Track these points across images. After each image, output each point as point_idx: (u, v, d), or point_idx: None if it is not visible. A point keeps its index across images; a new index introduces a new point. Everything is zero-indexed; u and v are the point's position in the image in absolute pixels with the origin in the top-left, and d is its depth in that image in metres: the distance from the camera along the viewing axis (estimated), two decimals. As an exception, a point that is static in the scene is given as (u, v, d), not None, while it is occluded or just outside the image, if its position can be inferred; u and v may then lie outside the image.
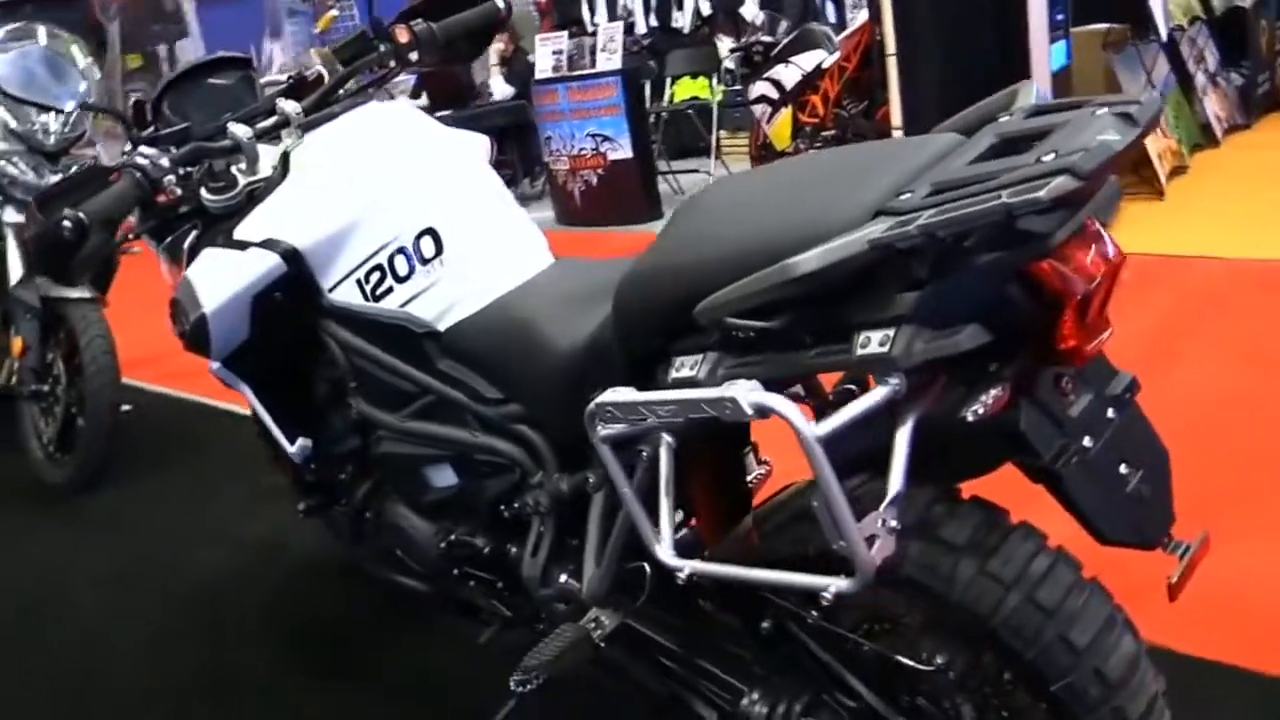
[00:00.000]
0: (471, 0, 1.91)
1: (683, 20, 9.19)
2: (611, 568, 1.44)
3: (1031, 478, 1.13)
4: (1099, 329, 1.08)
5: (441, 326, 1.67)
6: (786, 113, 5.78)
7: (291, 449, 1.92)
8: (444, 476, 1.78)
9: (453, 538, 1.78)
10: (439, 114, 8.01)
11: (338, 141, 1.75)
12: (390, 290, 1.66)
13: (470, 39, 1.93)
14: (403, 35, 1.85)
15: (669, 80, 8.37)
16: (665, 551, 1.26)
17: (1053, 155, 0.94)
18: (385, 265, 1.65)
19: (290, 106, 1.84)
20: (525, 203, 8.52)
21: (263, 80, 2.08)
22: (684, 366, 1.22)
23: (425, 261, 1.66)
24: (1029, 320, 1.05)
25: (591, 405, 1.23)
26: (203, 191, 1.80)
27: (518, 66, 8.77)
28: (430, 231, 1.66)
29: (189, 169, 1.77)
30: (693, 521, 1.58)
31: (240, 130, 1.77)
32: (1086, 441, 1.12)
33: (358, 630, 2.40)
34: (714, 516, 1.46)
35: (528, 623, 1.76)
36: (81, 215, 1.54)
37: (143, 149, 1.69)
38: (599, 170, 6.86)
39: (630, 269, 1.30)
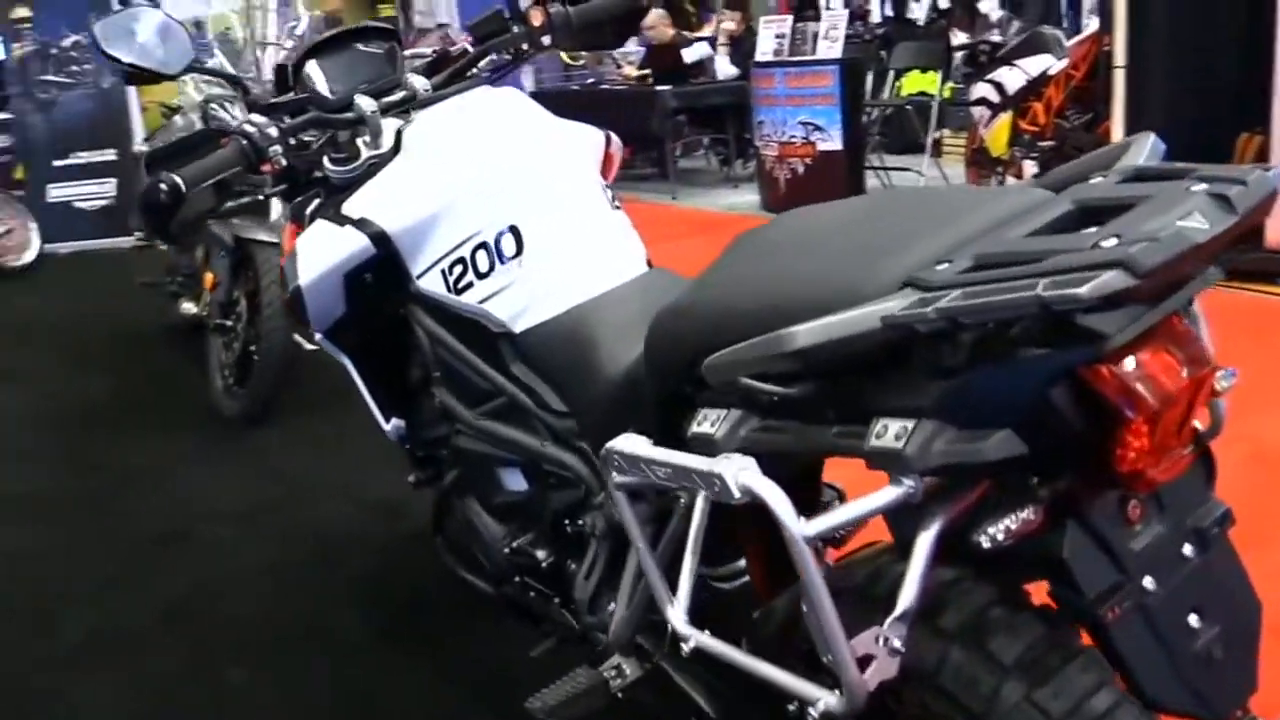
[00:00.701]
0: None
1: (918, 12, 8.82)
2: (636, 615, 1.35)
3: (1071, 615, 0.96)
4: (1174, 450, 0.90)
5: (516, 329, 1.59)
6: (1005, 118, 5.42)
7: (386, 426, 1.92)
8: (515, 480, 1.72)
9: (516, 544, 1.73)
10: (660, 87, 7.99)
11: (441, 125, 1.70)
12: (470, 285, 1.59)
13: (611, 26, 1.84)
14: (536, 18, 1.79)
15: (894, 73, 8.05)
16: (677, 616, 1.16)
17: (1115, 240, 0.78)
18: (468, 259, 1.59)
19: (419, 83, 1.80)
20: (734, 184, 8.45)
21: (407, 53, 2.05)
22: (706, 420, 1.10)
23: (505, 260, 1.58)
24: (1080, 433, 0.88)
25: (603, 450, 1.14)
26: (325, 161, 1.80)
27: (745, 47, 8.65)
28: (513, 229, 1.58)
29: (304, 138, 1.76)
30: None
31: (365, 103, 1.73)
32: (1147, 582, 0.94)
33: (445, 612, 2.40)
34: (763, 570, 1.34)
35: (584, 641, 1.70)
36: (177, 179, 1.54)
37: (253, 117, 1.67)
38: (807, 160, 6.68)
39: (669, 303, 1.19)
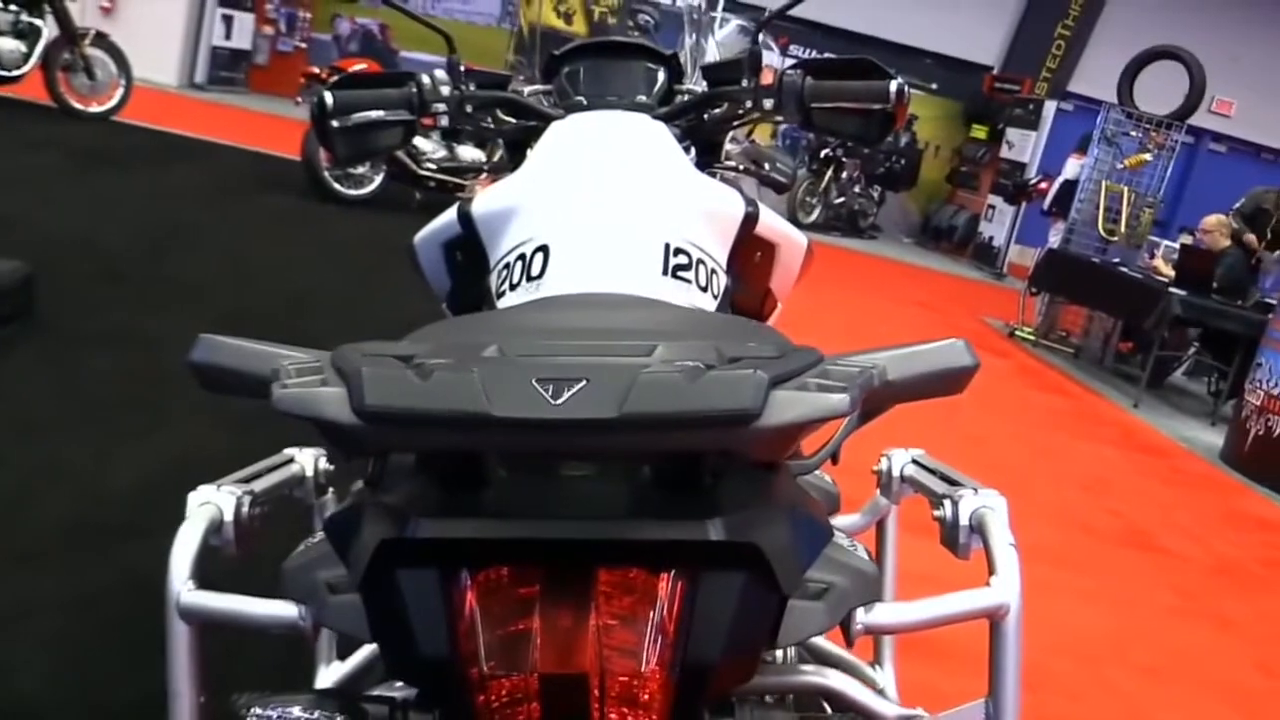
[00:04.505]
0: (867, 76, 1.55)
1: None
2: None
3: None
4: None
5: None
6: None
7: None
8: None
9: None
10: (1174, 289, 7.16)
11: (568, 131, 1.56)
12: (503, 295, 1.40)
13: (856, 117, 1.55)
14: (766, 76, 1.59)
15: None
16: None
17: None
18: (512, 264, 1.41)
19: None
20: (1213, 422, 7.36)
21: (688, 85, 1.80)
22: None
23: (530, 279, 1.36)
24: None
25: None
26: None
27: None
28: (544, 249, 1.37)
29: (483, 110, 1.72)
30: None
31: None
32: None
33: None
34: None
35: None
36: (326, 96, 1.57)
37: (437, 72, 1.65)
38: (1290, 426, 5.67)
39: None
